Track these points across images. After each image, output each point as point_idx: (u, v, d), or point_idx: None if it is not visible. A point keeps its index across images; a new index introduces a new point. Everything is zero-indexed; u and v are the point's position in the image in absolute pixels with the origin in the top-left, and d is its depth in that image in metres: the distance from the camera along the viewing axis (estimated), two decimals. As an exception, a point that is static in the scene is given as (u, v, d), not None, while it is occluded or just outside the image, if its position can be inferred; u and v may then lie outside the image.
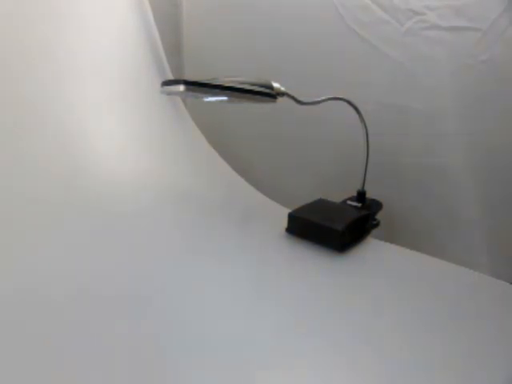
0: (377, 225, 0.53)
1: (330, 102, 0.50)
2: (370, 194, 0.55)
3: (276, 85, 0.47)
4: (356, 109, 0.51)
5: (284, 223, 0.48)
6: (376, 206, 0.55)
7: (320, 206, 0.51)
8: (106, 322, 0.32)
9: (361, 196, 0.55)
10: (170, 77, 0.73)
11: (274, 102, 0.48)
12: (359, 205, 0.54)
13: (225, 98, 0.45)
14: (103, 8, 0.63)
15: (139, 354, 0.30)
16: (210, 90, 0.43)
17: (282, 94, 0.47)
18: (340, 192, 0.50)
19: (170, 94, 0.49)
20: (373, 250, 0.48)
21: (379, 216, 0.54)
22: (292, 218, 0.48)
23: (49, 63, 0.57)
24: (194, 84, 0.42)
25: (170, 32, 0.80)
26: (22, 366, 0.28)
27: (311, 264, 0.42)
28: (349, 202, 0.55)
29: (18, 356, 0.29)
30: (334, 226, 0.44)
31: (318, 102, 0.50)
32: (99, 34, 0.62)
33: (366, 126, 0.51)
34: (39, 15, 0.56)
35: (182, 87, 0.42)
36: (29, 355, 0.29)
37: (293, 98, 0.48)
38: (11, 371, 0.27)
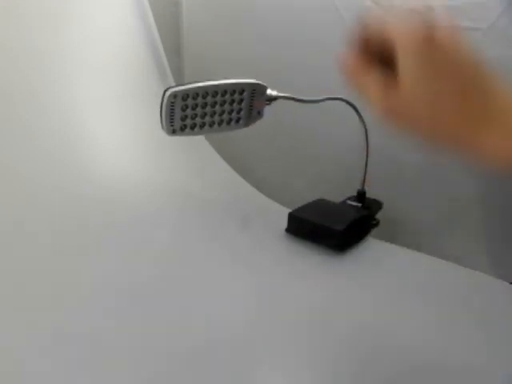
0: (377, 225, 0.53)
1: (329, 102, 0.50)
2: (369, 194, 0.55)
3: (269, 91, 0.46)
4: (355, 108, 0.50)
5: (284, 223, 0.48)
6: (376, 205, 0.55)
7: (320, 205, 0.51)
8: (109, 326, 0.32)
9: (361, 196, 0.55)
10: (170, 76, 0.73)
11: (268, 104, 0.47)
12: (359, 205, 0.54)
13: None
14: (102, 8, 0.63)
15: (138, 355, 0.29)
16: (199, 131, 0.44)
17: (275, 98, 0.47)
18: (340, 192, 0.50)
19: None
20: (373, 250, 0.48)
21: (379, 216, 0.54)
22: (292, 217, 0.48)
23: (53, 64, 0.57)
24: (181, 129, 0.43)
25: (170, 32, 0.80)
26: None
27: (311, 264, 0.42)
28: (349, 202, 0.54)
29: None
30: (334, 226, 0.44)
31: (317, 101, 0.50)
32: (99, 34, 0.62)
33: (365, 126, 0.51)
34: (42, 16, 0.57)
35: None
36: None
37: (291, 98, 0.48)
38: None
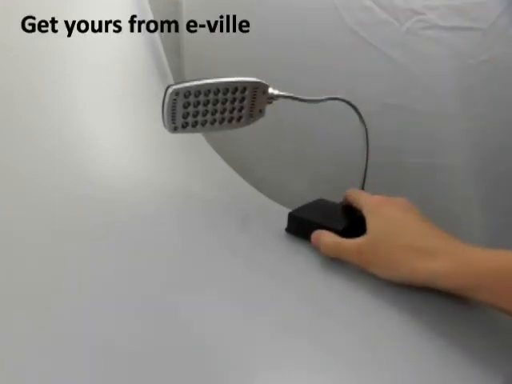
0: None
1: (330, 102, 0.50)
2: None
3: (271, 90, 0.46)
4: (355, 109, 0.51)
5: (284, 223, 0.48)
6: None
7: (320, 205, 0.51)
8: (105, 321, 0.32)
9: (361, 196, 0.55)
10: (170, 76, 0.73)
11: (270, 103, 0.48)
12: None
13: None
14: (102, 8, 0.63)
15: (134, 354, 0.30)
16: (200, 128, 0.45)
17: (277, 96, 0.47)
18: (340, 192, 0.50)
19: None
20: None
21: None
22: (292, 217, 0.48)
23: (53, 64, 0.57)
24: (183, 127, 0.44)
25: (170, 32, 0.80)
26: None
27: (311, 264, 0.42)
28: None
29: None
30: (334, 225, 0.44)
31: (317, 101, 0.50)
32: (99, 34, 0.62)
33: (365, 126, 0.51)
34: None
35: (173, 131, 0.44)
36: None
37: (292, 97, 0.48)
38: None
